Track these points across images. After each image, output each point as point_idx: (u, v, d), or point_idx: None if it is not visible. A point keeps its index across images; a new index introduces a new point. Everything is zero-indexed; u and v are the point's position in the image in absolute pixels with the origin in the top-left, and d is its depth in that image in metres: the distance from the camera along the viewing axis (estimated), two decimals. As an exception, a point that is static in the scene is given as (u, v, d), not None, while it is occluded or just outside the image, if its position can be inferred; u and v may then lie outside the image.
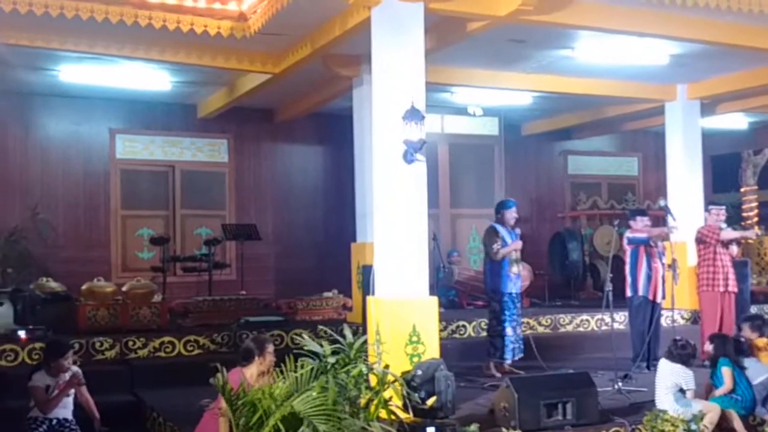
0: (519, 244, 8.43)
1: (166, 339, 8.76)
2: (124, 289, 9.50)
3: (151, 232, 12.28)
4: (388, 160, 6.79)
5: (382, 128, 6.86)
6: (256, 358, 5.69)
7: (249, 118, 12.92)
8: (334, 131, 12.71)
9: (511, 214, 8.52)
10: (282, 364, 5.17)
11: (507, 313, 8.30)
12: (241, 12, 8.30)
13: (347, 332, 5.56)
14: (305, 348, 5.29)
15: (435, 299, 6.87)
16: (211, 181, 13.01)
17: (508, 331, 8.28)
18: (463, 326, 9.74)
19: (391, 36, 6.86)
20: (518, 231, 8.51)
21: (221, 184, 13.08)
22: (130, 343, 8.60)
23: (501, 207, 8.66)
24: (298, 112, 12.65)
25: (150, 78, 10.81)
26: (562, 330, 10.40)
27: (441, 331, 8.28)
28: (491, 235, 8.42)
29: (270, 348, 5.78)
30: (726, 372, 6.80)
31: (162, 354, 8.69)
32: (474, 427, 5.68)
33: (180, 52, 9.20)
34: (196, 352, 8.79)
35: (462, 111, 13.00)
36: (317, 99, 11.76)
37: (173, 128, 12.78)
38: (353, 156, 10.50)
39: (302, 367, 5.08)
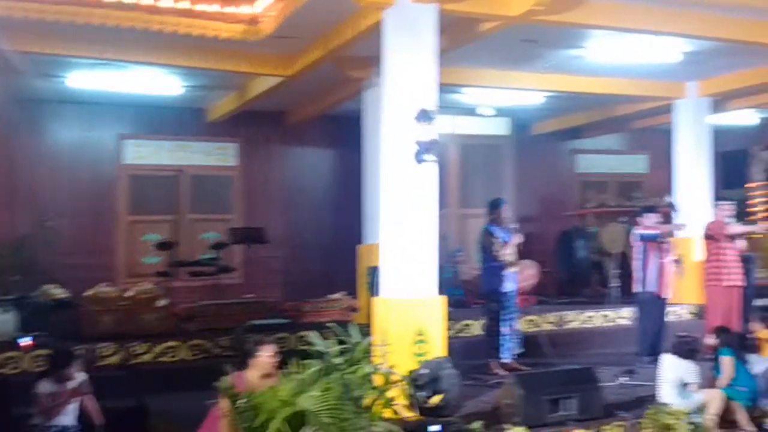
0: (521, 236, 8.46)
1: (171, 344, 8.74)
2: (128, 294, 9.52)
3: (157, 237, 12.33)
4: (398, 161, 6.80)
5: (392, 129, 6.87)
6: (252, 360, 5.70)
7: (259, 122, 12.97)
8: (344, 133, 12.73)
9: (506, 212, 8.56)
10: (286, 366, 5.19)
11: (504, 312, 8.34)
12: (253, 15, 8.29)
13: (354, 332, 5.60)
14: (313, 347, 5.33)
15: (443, 298, 6.89)
16: (220, 185, 13.09)
17: (505, 330, 8.32)
18: (470, 325, 9.73)
19: (403, 37, 6.86)
20: (514, 226, 8.55)
21: (229, 188, 13.16)
22: (135, 349, 8.60)
23: (496, 206, 8.61)
24: (309, 114, 12.69)
25: (160, 83, 10.83)
26: (568, 326, 10.39)
27: (447, 330, 8.30)
28: (488, 237, 8.42)
29: (266, 350, 5.74)
30: (725, 360, 6.81)
31: (166, 359, 8.68)
32: (478, 424, 5.71)
33: (191, 56, 9.23)
34: (201, 356, 8.77)
35: (473, 111, 13.01)
36: (328, 101, 11.79)
37: (182, 133, 12.84)
38: (362, 158, 10.54)
39: (307, 368, 5.09)
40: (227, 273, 11.39)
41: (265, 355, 5.70)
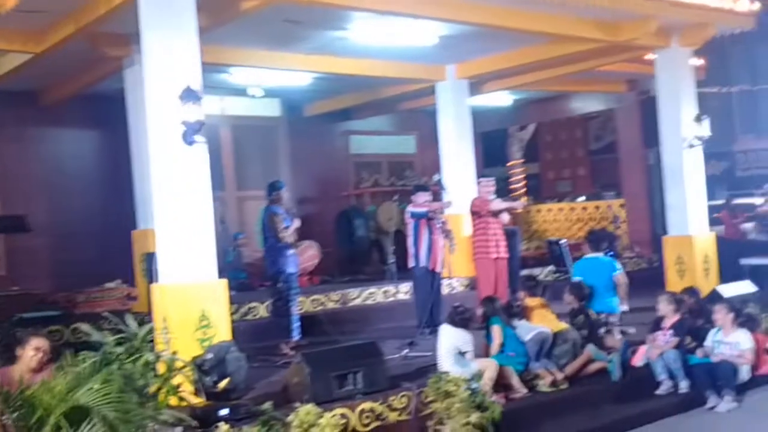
0: (298, 220, 8.61)
1: None
2: None
3: None
4: (166, 143, 6.60)
5: (157, 110, 6.65)
6: (18, 354, 5.47)
7: (8, 102, 11.80)
8: (108, 114, 12.00)
9: (286, 194, 8.64)
10: (61, 360, 4.94)
11: (292, 292, 8.46)
12: (-5, -13, 7.63)
13: (131, 321, 5.43)
14: (90, 339, 5.08)
15: (224, 282, 6.83)
16: (-32, 171, 11.92)
17: (294, 309, 8.44)
18: (255, 307, 9.69)
19: (161, 13, 6.64)
20: (292, 210, 8.66)
21: (-21, 175, 12.04)
22: None
23: (275, 188, 8.66)
24: (66, 94, 11.86)
25: None
26: (352, 304, 10.63)
27: (233, 313, 8.22)
28: (273, 217, 8.44)
29: (33, 342, 5.53)
30: (495, 329, 7.31)
31: None
32: (268, 405, 5.70)
33: None
34: (-39, 355, 8.08)
35: (242, 92, 12.84)
36: (86, 80, 11.07)
37: None
38: (130, 140, 10.06)
39: (84, 361, 4.90)
40: (-14, 265, 10.53)
41: (31, 349, 5.48)
